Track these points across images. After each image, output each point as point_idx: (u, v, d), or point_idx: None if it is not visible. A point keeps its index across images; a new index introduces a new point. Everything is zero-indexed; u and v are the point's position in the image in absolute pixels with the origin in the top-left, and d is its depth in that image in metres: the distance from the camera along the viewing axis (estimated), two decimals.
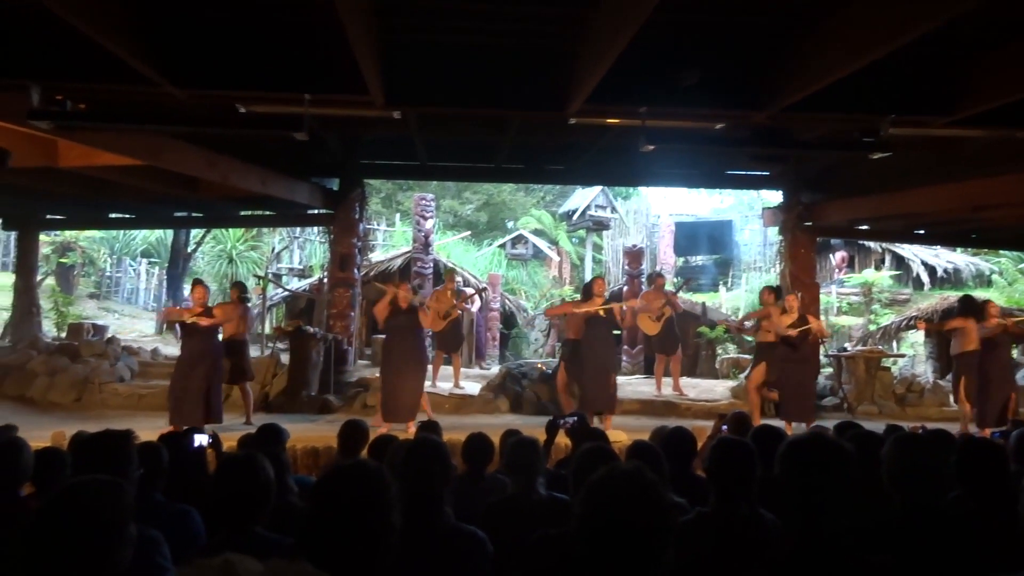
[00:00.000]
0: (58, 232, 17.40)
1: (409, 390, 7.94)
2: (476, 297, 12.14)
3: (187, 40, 5.19)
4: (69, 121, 5.44)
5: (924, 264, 18.13)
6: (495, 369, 11.70)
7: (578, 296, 10.89)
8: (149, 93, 5.48)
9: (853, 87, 5.29)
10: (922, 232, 12.25)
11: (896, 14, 4.18)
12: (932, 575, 2.13)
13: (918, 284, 18.09)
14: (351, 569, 1.55)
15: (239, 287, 8.74)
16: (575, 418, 4.61)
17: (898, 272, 18.35)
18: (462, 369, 11.05)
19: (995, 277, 18.29)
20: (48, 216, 12.58)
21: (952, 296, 14.78)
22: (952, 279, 18.17)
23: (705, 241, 22.26)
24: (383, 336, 8.70)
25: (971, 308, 8.78)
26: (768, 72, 5.52)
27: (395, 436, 4.40)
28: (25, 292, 12.31)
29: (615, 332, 8.98)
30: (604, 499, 1.69)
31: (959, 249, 18.16)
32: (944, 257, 18.36)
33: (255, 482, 2.44)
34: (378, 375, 9.58)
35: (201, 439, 4.08)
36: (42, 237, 14.40)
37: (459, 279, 12.38)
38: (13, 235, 15.66)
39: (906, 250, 18.25)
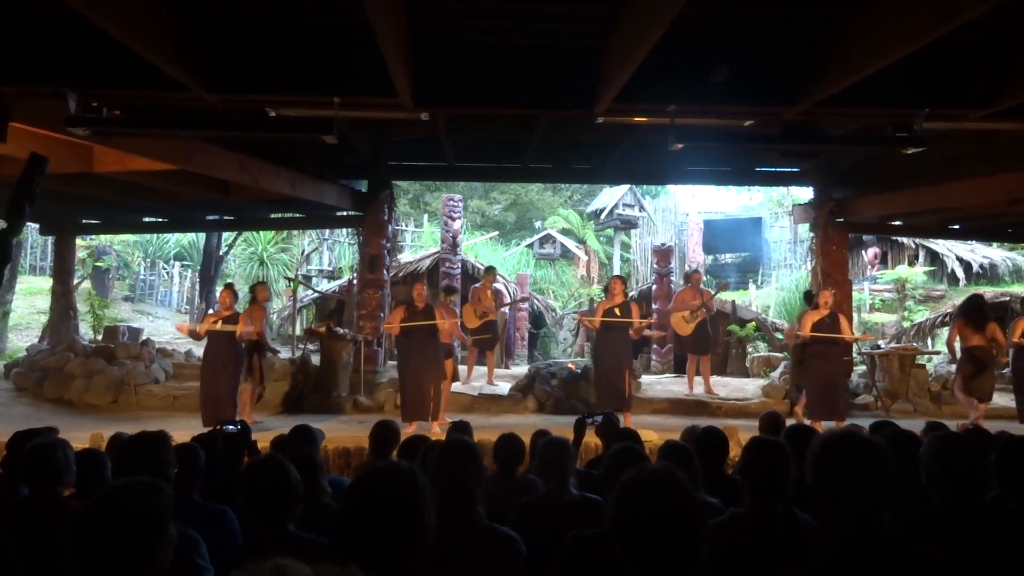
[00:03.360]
0: (93, 236, 17.69)
1: (428, 389, 7.94)
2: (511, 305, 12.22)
3: (218, 45, 5.26)
4: (105, 127, 5.53)
5: (959, 259, 17.82)
6: (523, 368, 11.71)
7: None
8: (182, 98, 5.56)
9: (886, 81, 5.21)
10: (957, 227, 12.05)
11: (935, 4, 4.10)
12: (975, 573, 2.10)
13: (953, 280, 17.79)
14: (388, 570, 1.56)
15: (262, 288, 9.01)
16: (601, 417, 4.62)
17: (932, 268, 18.06)
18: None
19: None
20: (84, 220, 12.81)
21: (988, 292, 14.54)
22: (988, 274, 17.84)
23: (734, 239, 22.07)
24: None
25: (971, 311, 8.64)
26: (800, 67, 5.46)
27: (426, 437, 4.43)
28: (62, 296, 12.53)
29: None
30: (635, 499, 1.70)
31: (995, 244, 17.82)
32: (980, 252, 18.03)
33: (280, 483, 2.47)
34: None
35: (230, 428, 4.31)
36: (78, 241, 14.64)
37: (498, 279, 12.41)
38: (50, 240, 15.96)
39: (940, 245, 17.95)
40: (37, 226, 13.80)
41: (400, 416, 7.83)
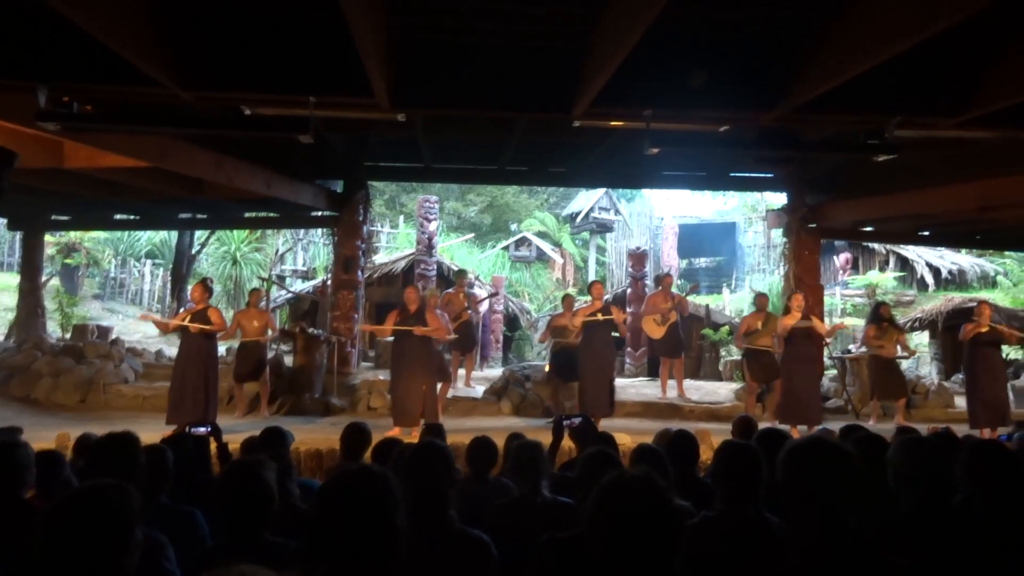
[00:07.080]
0: (63, 233, 17.40)
1: (420, 393, 7.80)
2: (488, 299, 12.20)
3: (193, 42, 5.19)
4: (76, 123, 5.43)
5: (928, 265, 18.08)
6: (498, 371, 11.70)
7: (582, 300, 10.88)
8: (155, 95, 5.48)
9: (861, 87, 5.26)
10: (927, 233, 12.22)
11: (913, 9, 4.14)
12: None
13: (922, 285, 18.04)
14: (359, 573, 1.55)
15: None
16: (579, 418, 4.62)
17: (902, 273, 18.32)
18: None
19: (1000, 278, 18.25)
20: (53, 217, 12.61)
21: (957, 297, 14.76)
22: (957, 280, 18.12)
23: (709, 243, 22.24)
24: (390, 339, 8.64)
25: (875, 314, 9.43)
26: (776, 73, 5.50)
27: (399, 439, 4.40)
28: (30, 293, 12.33)
29: (615, 335, 9.00)
30: (614, 503, 1.69)
31: (964, 250, 18.12)
32: (949, 258, 18.31)
33: (259, 489, 2.40)
34: (382, 377, 9.61)
35: (199, 430, 4.19)
36: (47, 238, 14.40)
37: (470, 278, 12.33)
38: (18, 235, 15.68)
39: (910, 251, 18.20)
40: (5, 221, 13.54)
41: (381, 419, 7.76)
